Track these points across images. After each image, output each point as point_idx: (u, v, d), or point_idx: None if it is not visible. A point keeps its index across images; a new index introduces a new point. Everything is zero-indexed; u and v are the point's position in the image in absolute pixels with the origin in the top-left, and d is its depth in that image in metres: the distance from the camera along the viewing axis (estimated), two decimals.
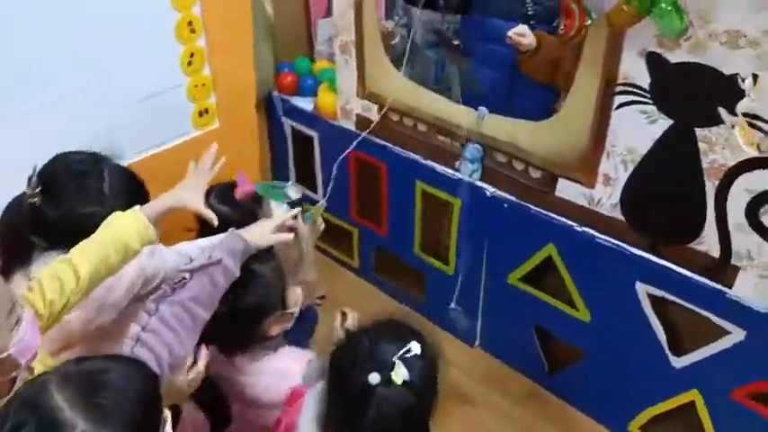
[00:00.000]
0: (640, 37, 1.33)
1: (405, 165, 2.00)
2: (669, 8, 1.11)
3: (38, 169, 1.21)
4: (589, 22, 1.28)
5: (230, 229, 1.23)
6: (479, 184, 1.82)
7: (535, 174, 1.70)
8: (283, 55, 2.36)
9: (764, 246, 1.37)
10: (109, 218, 1.15)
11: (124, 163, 1.53)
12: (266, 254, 1.27)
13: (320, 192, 2.37)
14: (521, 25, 1.69)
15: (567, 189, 1.65)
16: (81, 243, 1.11)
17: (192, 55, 1.98)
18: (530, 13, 1.81)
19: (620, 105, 1.45)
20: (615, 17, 1.18)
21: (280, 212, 1.80)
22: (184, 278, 1.17)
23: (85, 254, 1.10)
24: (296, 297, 1.30)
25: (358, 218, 2.28)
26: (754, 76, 1.23)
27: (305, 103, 2.28)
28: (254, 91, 2.22)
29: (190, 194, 1.25)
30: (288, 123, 2.35)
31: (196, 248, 1.27)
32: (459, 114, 1.79)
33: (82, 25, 1.69)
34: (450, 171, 1.89)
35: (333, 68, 2.32)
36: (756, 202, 1.34)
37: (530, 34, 1.67)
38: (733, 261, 1.43)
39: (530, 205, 1.74)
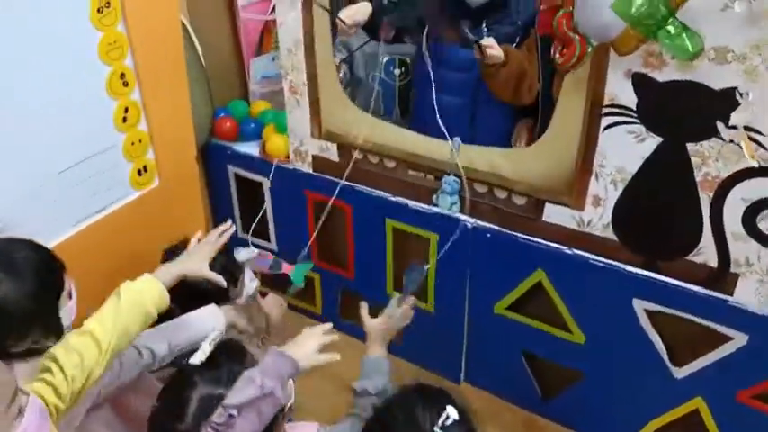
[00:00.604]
0: (625, 58, 1.33)
1: (372, 203, 1.91)
2: (675, 32, 1.10)
3: None
4: (590, 49, 1.25)
5: (273, 349, 1.14)
6: (459, 216, 1.77)
7: (519, 201, 1.67)
8: (216, 99, 2.21)
9: (763, 251, 1.40)
10: (121, 287, 1.20)
11: (61, 237, 1.58)
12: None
13: (273, 239, 2.23)
14: (488, 38, 1.67)
15: (554, 213, 1.62)
16: (94, 314, 1.15)
17: (126, 110, 1.81)
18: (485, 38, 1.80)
19: (608, 127, 1.45)
20: (622, 43, 1.17)
21: (252, 285, 1.70)
22: (232, 415, 1.03)
23: (104, 323, 1.13)
24: (291, 389, 1.19)
25: (319, 262, 2.16)
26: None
27: (249, 149, 2.15)
28: (194, 142, 2.06)
29: (196, 263, 1.32)
30: (231, 171, 2.20)
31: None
32: (432, 147, 1.73)
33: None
34: (424, 206, 1.82)
35: (274, 109, 2.21)
36: (753, 211, 1.37)
37: (498, 47, 1.65)
38: (732, 269, 1.45)
39: (515, 233, 1.71)
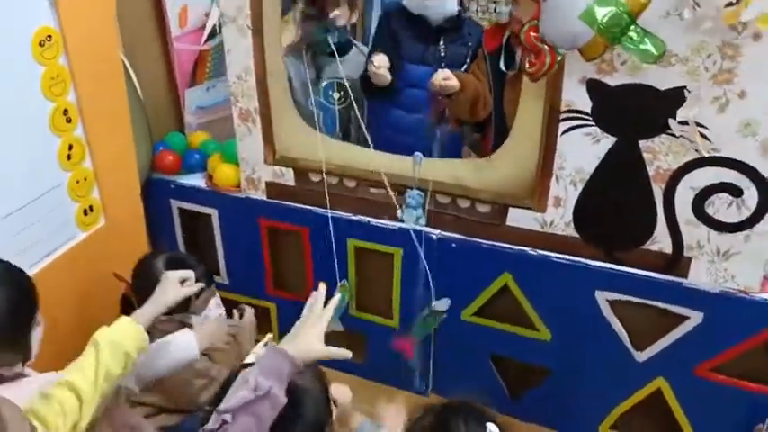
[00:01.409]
0: (579, 66, 1.44)
1: (333, 225, 1.91)
2: (638, 37, 1.22)
3: None
4: (560, 58, 1.34)
5: (267, 343, 1.10)
6: (424, 229, 1.81)
7: (483, 208, 1.74)
8: (153, 132, 2.15)
9: (712, 234, 1.54)
10: (97, 335, 1.22)
11: None
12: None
13: (223, 272, 2.18)
14: (443, 70, 1.75)
15: (518, 217, 1.71)
16: (73, 365, 1.18)
17: (70, 147, 1.73)
18: (442, 55, 1.89)
19: (565, 131, 1.55)
20: (590, 50, 1.27)
21: (217, 312, 1.69)
22: (225, 422, 0.99)
23: (85, 374, 1.15)
24: (341, 392, 1.17)
25: (276, 291, 2.13)
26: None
27: (194, 180, 2.09)
28: (138, 178, 1.98)
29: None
30: (175, 205, 2.13)
31: None
32: (394, 163, 1.77)
33: None
34: (387, 222, 1.85)
35: (213, 139, 2.18)
36: (701, 197, 1.51)
37: (453, 77, 1.73)
38: (685, 253, 1.59)
39: (480, 240, 1.77)
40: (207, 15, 2.21)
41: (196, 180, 2.09)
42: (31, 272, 1.65)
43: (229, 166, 2.01)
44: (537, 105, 1.55)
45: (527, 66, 1.36)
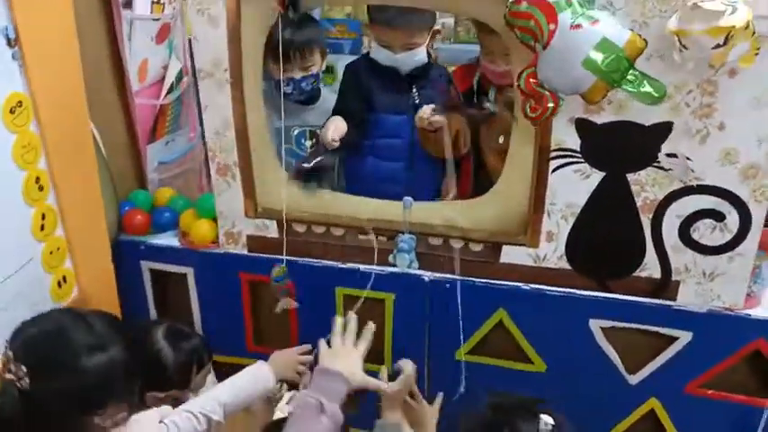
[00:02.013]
0: (567, 106, 1.50)
1: (319, 274, 1.88)
2: (636, 80, 1.29)
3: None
4: (562, 102, 1.39)
5: (319, 368, 1.12)
6: (416, 272, 1.81)
7: (476, 248, 1.76)
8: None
9: (698, 257, 1.63)
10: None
11: None
12: None
13: (199, 331, 2.09)
14: (428, 106, 1.78)
15: (511, 254, 1.74)
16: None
17: (43, 216, 1.63)
18: (417, 102, 1.92)
19: (556, 168, 1.61)
20: (593, 94, 1.32)
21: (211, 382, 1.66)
22: None
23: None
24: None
25: (257, 347, 2.06)
26: None
27: (166, 240, 2.01)
28: (109, 244, 1.88)
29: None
30: (146, 267, 2.03)
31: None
32: (383, 209, 1.77)
33: None
34: (376, 268, 1.84)
35: (181, 195, 2.11)
36: (686, 224, 1.60)
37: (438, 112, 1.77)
38: (674, 277, 1.67)
39: (473, 279, 1.79)
40: (165, 68, 2.15)
41: (168, 239, 2.01)
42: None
43: (206, 222, 1.94)
44: (528, 146, 1.59)
45: (528, 111, 1.40)
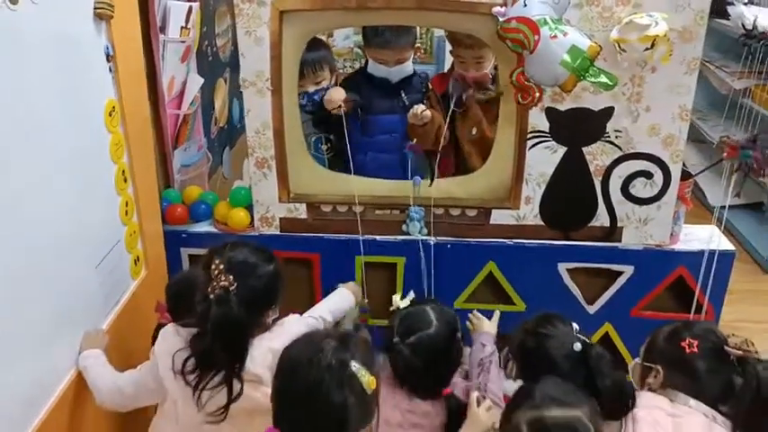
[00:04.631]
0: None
1: (341, 247, 2.29)
2: (596, 74, 1.83)
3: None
4: (546, 92, 1.91)
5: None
6: (425, 238, 2.26)
7: (471, 213, 2.24)
8: None
9: (635, 207, 2.19)
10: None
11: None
12: None
13: None
14: (418, 105, 2.25)
15: (499, 217, 2.23)
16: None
17: (126, 204, 1.95)
18: (406, 104, 2.38)
19: (532, 146, 2.12)
20: (567, 85, 1.85)
21: None
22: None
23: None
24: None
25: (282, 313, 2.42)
26: None
27: (202, 228, 2.34)
28: (162, 230, 2.21)
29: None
30: (185, 253, 2.35)
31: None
32: (396, 188, 2.22)
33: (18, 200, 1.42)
34: (389, 237, 2.28)
35: (210, 191, 2.46)
36: (626, 183, 2.15)
37: (428, 109, 2.25)
38: (618, 224, 2.22)
39: (468, 239, 2.27)
40: (183, 83, 2.50)
41: (205, 227, 2.35)
42: (109, 319, 1.86)
43: (241, 210, 2.30)
44: (510, 131, 2.10)
45: (521, 99, 1.91)
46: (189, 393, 1.50)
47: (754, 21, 3.49)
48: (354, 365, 1.22)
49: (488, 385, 1.72)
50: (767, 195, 3.49)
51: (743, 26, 3.56)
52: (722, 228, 2.28)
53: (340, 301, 2.01)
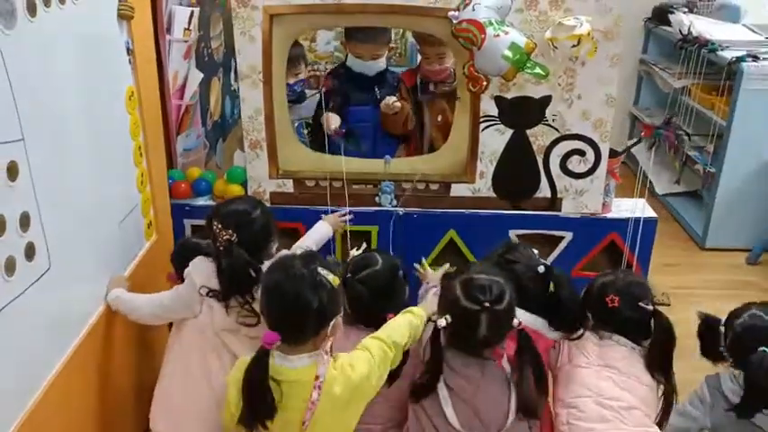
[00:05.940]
0: (490, 87, 2.42)
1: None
2: (533, 66, 2.22)
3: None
4: (491, 81, 2.31)
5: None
6: (394, 209, 2.64)
7: (434, 187, 2.63)
8: None
9: (572, 181, 2.59)
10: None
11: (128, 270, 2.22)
12: None
13: None
14: (390, 97, 2.64)
15: (458, 190, 2.62)
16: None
17: (142, 175, 2.31)
18: (379, 96, 2.77)
19: (484, 129, 2.52)
20: (508, 75, 2.25)
21: None
22: None
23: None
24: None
25: None
26: None
27: (204, 201, 2.71)
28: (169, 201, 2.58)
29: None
30: (188, 223, 2.71)
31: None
32: (369, 165, 2.60)
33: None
34: (365, 208, 2.65)
35: (209, 171, 2.82)
36: (563, 160, 2.55)
37: (398, 100, 2.64)
38: (558, 195, 2.62)
39: (433, 210, 2.65)
40: (185, 78, 2.87)
41: (206, 201, 2.71)
42: (130, 267, 2.22)
43: (236, 186, 2.67)
44: (466, 115, 2.50)
45: (471, 87, 2.31)
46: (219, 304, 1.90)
47: (689, 27, 3.94)
48: (321, 270, 1.59)
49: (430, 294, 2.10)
50: (701, 184, 3.93)
51: (680, 32, 4.01)
52: (658, 204, 2.69)
53: (321, 232, 2.41)
